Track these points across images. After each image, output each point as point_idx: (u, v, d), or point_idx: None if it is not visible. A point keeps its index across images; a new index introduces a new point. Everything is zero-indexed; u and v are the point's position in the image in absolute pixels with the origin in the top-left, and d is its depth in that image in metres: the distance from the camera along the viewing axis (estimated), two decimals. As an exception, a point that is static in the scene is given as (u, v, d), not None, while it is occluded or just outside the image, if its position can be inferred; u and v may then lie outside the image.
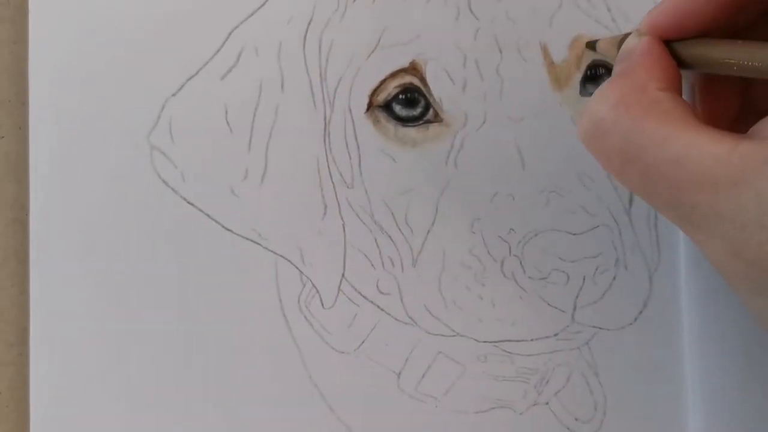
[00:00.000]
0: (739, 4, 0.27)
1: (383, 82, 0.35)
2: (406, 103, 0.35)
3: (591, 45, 0.34)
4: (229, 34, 0.35)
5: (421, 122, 0.35)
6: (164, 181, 0.35)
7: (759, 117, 0.28)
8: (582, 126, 0.27)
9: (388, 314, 0.35)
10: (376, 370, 0.35)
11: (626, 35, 0.30)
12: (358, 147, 0.35)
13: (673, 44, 0.28)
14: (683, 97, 0.28)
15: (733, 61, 0.27)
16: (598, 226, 0.34)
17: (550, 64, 0.35)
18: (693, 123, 0.25)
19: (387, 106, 0.35)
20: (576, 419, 0.35)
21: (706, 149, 0.24)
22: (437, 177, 0.35)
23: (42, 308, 0.34)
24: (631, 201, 0.35)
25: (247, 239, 0.35)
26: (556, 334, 0.35)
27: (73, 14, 0.35)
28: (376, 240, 0.35)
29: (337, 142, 0.35)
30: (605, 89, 0.27)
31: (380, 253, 0.35)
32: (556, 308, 0.34)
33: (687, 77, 0.31)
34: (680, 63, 0.28)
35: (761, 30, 0.28)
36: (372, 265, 0.35)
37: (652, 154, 0.25)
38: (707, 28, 0.28)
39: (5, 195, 0.36)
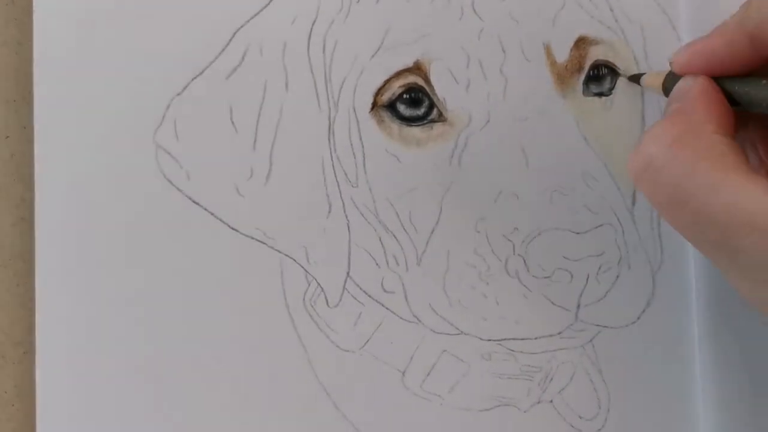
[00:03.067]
0: None
1: (387, 81, 0.35)
2: (410, 102, 0.35)
3: (635, 78, 0.35)
4: (234, 34, 0.35)
5: (425, 122, 0.35)
6: (169, 181, 0.35)
7: None
8: (634, 162, 0.28)
9: (393, 313, 0.35)
10: (381, 368, 0.35)
11: (670, 72, 0.31)
12: (363, 146, 0.35)
13: (722, 81, 0.29)
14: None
15: None
16: (601, 225, 0.34)
17: (554, 64, 0.35)
18: (745, 169, 0.26)
19: (391, 106, 0.35)
20: (580, 417, 0.36)
21: (757, 197, 0.25)
22: (441, 176, 0.35)
23: (48, 307, 0.34)
24: (634, 200, 0.36)
25: (252, 238, 0.35)
26: (559, 333, 0.35)
27: (77, 14, 0.35)
28: (380, 239, 0.35)
29: (341, 142, 0.35)
30: (661, 128, 0.28)
31: (385, 252, 0.35)
32: (560, 307, 0.34)
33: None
34: (731, 101, 0.29)
35: None
36: (377, 264, 0.35)
37: (703, 198, 0.26)
38: (742, 66, 0.28)
39: (11, 194, 0.36)
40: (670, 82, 0.31)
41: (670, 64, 0.31)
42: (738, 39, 0.28)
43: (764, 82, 0.28)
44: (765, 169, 0.31)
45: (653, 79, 0.33)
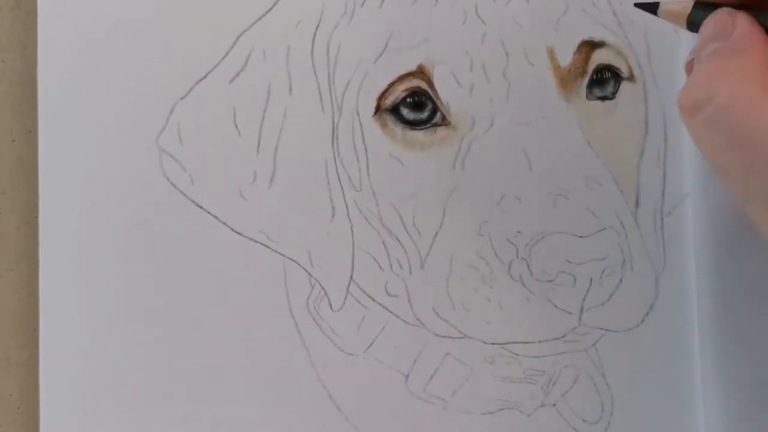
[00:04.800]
0: None
1: (391, 85, 0.35)
2: (414, 106, 0.35)
3: (648, 7, 0.32)
4: (238, 38, 0.35)
5: (428, 126, 0.35)
6: (173, 184, 0.35)
7: None
8: (689, 98, 0.27)
9: (397, 316, 0.35)
10: (385, 371, 0.35)
11: (697, 2, 0.30)
12: (366, 150, 0.35)
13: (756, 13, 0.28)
14: None
15: None
16: (604, 229, 0.34)
17: (557, 68, 0.35)
18: None
19: (395, 110, 0.35)
20: (583, 420, 0.36)
21: None
22: (445, 180, 0.35)
23: (52, 310, 0.34)
24: (637, 204, 0.36)
25: (256, 242, 0.35)
26: (563, 336, 0.35)
27: (82, 19, 0.35)
28: (384, 242, 0.35)
29: (345, 146, 0.35)
30: (719, 65, 0.27)
31: (388, 255, 0.35)
32: (563, 310, 0.34)
33: None
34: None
35: None
36: (380, 268, 0.35)
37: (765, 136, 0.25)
38: None
39: (16, 198, 0.36)
40: (698, 15, 0.30)
41: None
42: None
43: None
44: None
45: (675, 9, 0.31)
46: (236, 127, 0.35)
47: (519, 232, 0.34)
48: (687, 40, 0.36)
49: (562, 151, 0.35)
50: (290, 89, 0.35)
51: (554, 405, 0.36)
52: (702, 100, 0.27)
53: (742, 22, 0.28)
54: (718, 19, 0.29)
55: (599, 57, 0.36)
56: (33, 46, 0.35)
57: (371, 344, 0.35)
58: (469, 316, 0.35)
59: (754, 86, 0.26)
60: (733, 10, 0.29)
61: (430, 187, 0.35)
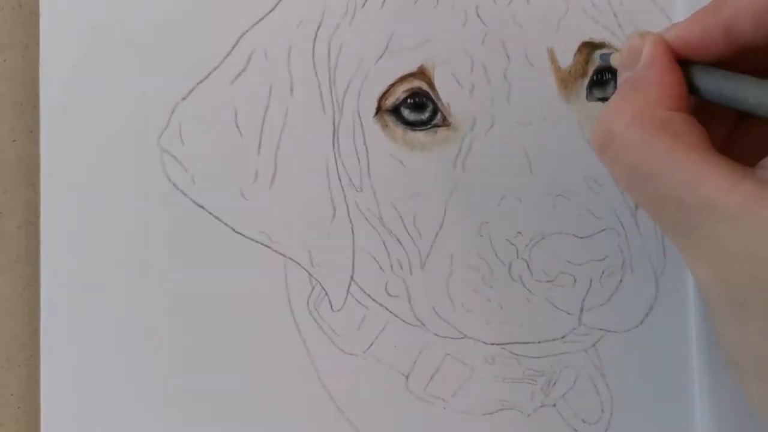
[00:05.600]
0: (757, 42, 0.27)
1: (392, 86, 0.35)
2: (415, 107, 0.35)
3: (605, 57, 0.34)
4: (239, 38, 0.35)
5: (429, 126, 0.35)
6: (174, 184, 0.35)
7: (750, 141, 0.30)
8: (595, 138, 0.28)
9: (397, 316, 0.35)
10: (385, 371, 0.35)
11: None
12: (367, 151, 0.35)
13: (683, 65, 0.29)
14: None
15: (748, 99, 0.27)
16: (604, 230, 0.35)
17: (557, 69, 0.35)
18: (702, 148, 0.26)
19: (395, 111, 0.35)
20: (583, 421, 0.36)
21: (712, 179, 0.25)
22: (445, 180, 0.35)
23: (53, 310, 0.35)
24: (638, 205, 0.36)
25: (257, 242, 0.35)
26: (563, 337, 0.35)
27: (83, 18, 0.35)
28: (384, 243, 0.35)
29: (345, 146, 0.35)
30: (619, 103, 0.28)
31: (389, 255, 0.35)
32: (563, 311, 0.35)
33: None
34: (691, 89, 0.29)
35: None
36: (380, 268, 0.35)
37: (662, 176, 0.26)
38: (714, 55, 0.28)
39: (17, 198, 0.36)
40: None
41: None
42: (713, 29, 0.28)
43: (729, 73, 0.28)
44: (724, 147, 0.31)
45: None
46: (237, 127, 0.35)
47: (519, 232, 0.35)
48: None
49: (562, 151, 0.35)
50: (291, 90, 0.35)
51: (554, 405, 0.36)
52: (605, 140, 0.28)
53: (647, 50, 0.28)
54: (629, 45, 0.29)
55: (601, 58, 0.36)
56: (35, 46, 0.35)
57: (371, 344, 0.35)
58: (470, 317, 0.35)
59: (647, 126, 0.27)
60: (645, 33, 0.29)
61: (430, 188, 0.35)
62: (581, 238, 0.34)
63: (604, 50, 0.35)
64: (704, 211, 0.25)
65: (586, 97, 0.36)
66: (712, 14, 0.28)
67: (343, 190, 0.35)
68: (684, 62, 0.29)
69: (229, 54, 0.35)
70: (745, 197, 0.24)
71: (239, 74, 0.35)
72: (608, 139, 0.27)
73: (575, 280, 0.34)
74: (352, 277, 0.35)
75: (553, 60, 0.35)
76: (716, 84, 0.28)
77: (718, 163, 0.25)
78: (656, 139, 0.26)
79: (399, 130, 0.35)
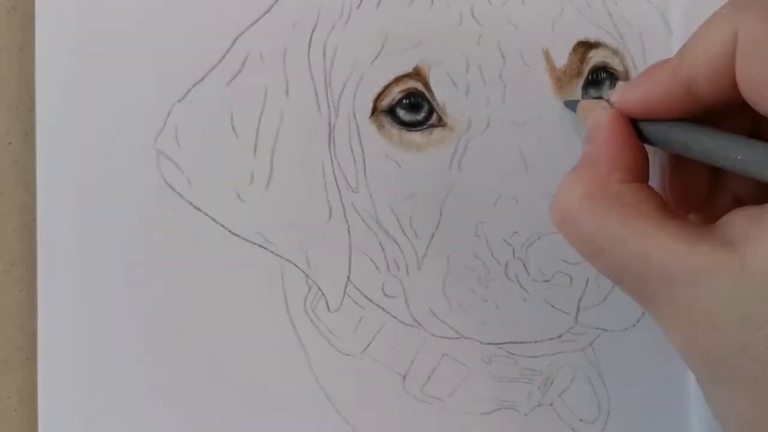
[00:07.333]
0: (718, 102, 0.27)
1: (387, 87, 0.35)
2: (410, 107, 0.35)
3: (570, 104, 0.34)
4: (235, 40, 0.35)
5: (425, 127, 0.35)
6: (170, 186, 0.35)
7: (731, 195, 0.30)
8: (553, 213, 0.28)
9: (394, 317, 0.35)
10: (382, 372, 0.35)
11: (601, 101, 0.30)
12: (363, 152, 0.35)
13: (643, 123, 0.29)
14: (653, 170, 0.29)
15: (711, 152, 0.26)
16: (600, 229, 0.35)
17: (552, 69, 0.35)
18: (655, 216, 0.26)
19: (391, 111, 0.35)
20: (580, 420, 0.36)
21: (666, 247, 0.25)
22: (441, 181, 0.35)
23: (50, 313, 0.34)
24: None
25: (253, 243, 0.35)
26: (559, 336, 0.35)
27: (79, 20, 0.35)
28: (381, 243, 0.35)
29: (341, 147, 0.35)
30: (572, 178, 0.28)
31: (385, 256, 0.35)
32: (559, 310, 0.35)
33: (658, 152, 0.31)
34: (649, 141, 0.29)
35: (730, 121, 0.28)
36: (377, 269, 0.35)
37: (616, 250, 0.26)
38: (679, 113, 0.28)
39: (13, 200, 0.36)
40: None
41: (608, 101, 0.30)
42: (674, 89, 0.27)
43: (684, 127, 0.27)
44: (687, 208, 0.31)
45: (586, 111, 0.32)
46: (233, 129, 0.35)
47: (515, 232, 0.35)
48: (681, 40, 0.36)
49: (558, 151, 0.35)
50: (287, 91, 0.35)
51: (551, 405, 0.36)
52: (561, 214, 0.28)
53: (605, 126, 0.29)
54: (592, 119, 0.30)
55: (595, 57, 0.36)
56: (30, 48, 0.35)
57: (368, 345, 0.35)
58: (466, 317, 0.35)
59: (598, 199, 0.27)
60: (607, 107, 0.29)
61: (426, 188, 0.35)
62: (577, 237, 0.34)
63: (570, 99, 0.35)
64: (663, 281, 0.25)
65: (582, 97, 0.36)
66: (671, 75, 0.27)
67: (339, 191, 0.35)
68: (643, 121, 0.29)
69: (224, 56, 0.35)
70: (700, 262, 0.24)
71: (235, 76, 0.35)
72: (563, 215, 0.28)
73: (572, 280, 0.34)
74: (348, 278, 0.35)
75: (549, 60, 0.35)
76: (665, 136, 0.28)
77: (672, 229, 0.25)
78: (607, 211, 0.26)
79: (394, 130, 0.35)
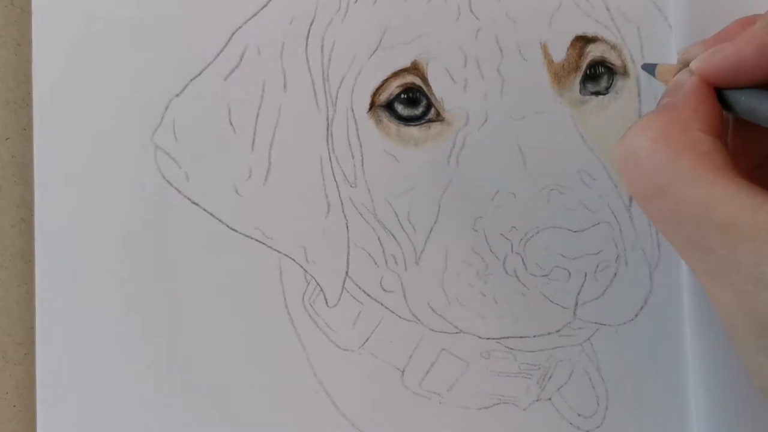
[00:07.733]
0: None
1: (385, 81, 0.35)
2: (408, 102, 0.35)
3: (648, 68, 0.34)
4: (232, 34, 0.35)
5: (423, 121, 0.35)
6: (168, 181, 0.35)
7: None
8: (619, 152, 0.28)
9: (392, 312, 0.35)
10: (380, 367, 0.35)
11: (684, 66, 0.30)
12: (361, 146, 0.35)
13: (723, 90, 0.29)
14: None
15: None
16: (598, 223, 0.35)
17: (550, 63, 0.35)
18: (727, 170, 0.26)
19: (389, 106, 0.35)
20: (578, 414, 0.36)
21: (736, 198, 0.24)
22: (439, 175, 0.35)
23: (48, 308, 0.34)
24: (631, 198, 0.36)
25: (251, 238, 0.35)
26: (558, 331, 0.35)
27: (76, 16, 0.35)
28: (379, 238, 0.35)
29: (339, 142, 0.35)
30: (647, 120, 0.28)
31: (383, 251, 0.35)
32: (557, 305, 0.35)
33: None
34: (728, 108, 0.29)
35: None
36: (375, 263, 0.35)
37: (681, 192, 0.26)
38: (763, 81, 0.28)
39: (11, 196, 0.36)
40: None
41: (680, 60, 0.30)
42: (759, 61, 0.27)
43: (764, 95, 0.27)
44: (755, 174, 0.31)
45: (666, 74, 0.32)
46: (231, 123, 0.35)
47: (513, 227, 0.35)
48: (679, 34, 0.36)
49: (556, 146, 0.35)
50: (285, 86, 0.35)
51: (550, 399, 0.36)
52: (628, 152, 0.27)
53: (692, 81, 0.28)
54: (677, 78, 0.29)
55: (593, 52, 0.36)
56: (27, 44, 0.35)
57: (367, 340, 0.35)
58: (464, 311, 0.35)
59: (673, 142, 0.26)
60: (692, 71, 0.29)
61: (424, 183, 0.35)
62: (575, 232, 0.34)
63: (648, 62, 0.35)
64: (724, 232, 0.24)
65: (580, 91, 0.36)
66: (757, 48, 0.27)
67: (337, 185, 0.35)
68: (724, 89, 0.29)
69: (222, 50, 0.35)
70: (767, 220, 0.24)
71: (232, 71, 0.35)
72: (630, 151, 0.27)
73: (570, 274, 0.34)
74: (347, 273, 0.35)
75: (546, 54, 0.35)
76: (748, 103, 0.28)
77: (742, 185, 0.25)
78: (680, 155, 0.26)
79: (392, 125, 0.35)
